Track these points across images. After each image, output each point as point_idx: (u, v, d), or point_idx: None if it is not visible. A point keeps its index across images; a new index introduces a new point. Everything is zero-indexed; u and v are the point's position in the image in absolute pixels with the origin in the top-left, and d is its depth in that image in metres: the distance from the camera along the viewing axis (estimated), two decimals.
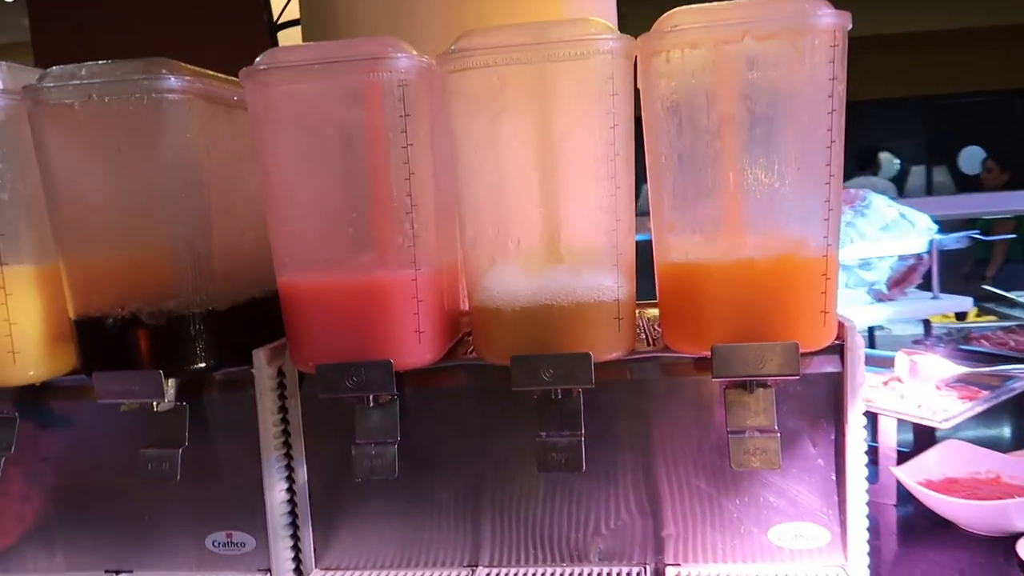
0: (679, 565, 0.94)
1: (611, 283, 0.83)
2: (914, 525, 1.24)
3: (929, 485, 1.26)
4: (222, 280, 0.93)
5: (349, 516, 0.98)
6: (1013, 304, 3.09)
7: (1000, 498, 1.22)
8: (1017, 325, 1.86)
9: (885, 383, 1.39)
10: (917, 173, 8.36)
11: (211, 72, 0.92)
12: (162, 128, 0.87)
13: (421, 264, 0.86)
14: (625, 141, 0.82)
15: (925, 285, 1.86)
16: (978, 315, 2.94)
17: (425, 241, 0.86)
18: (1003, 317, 2.87)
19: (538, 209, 0.83)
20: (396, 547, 0.98)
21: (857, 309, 1.79)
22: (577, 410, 0.89)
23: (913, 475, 1.27)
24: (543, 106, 0.81)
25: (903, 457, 1.30)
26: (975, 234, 1.88)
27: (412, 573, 0.97)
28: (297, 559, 0.99)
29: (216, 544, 0.99)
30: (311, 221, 0.86)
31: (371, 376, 0.86)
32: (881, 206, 1.82)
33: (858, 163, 6.73)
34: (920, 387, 1.34)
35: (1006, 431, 1.73)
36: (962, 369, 1.38)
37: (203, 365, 0.92)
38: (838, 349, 0.89)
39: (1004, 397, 1.30)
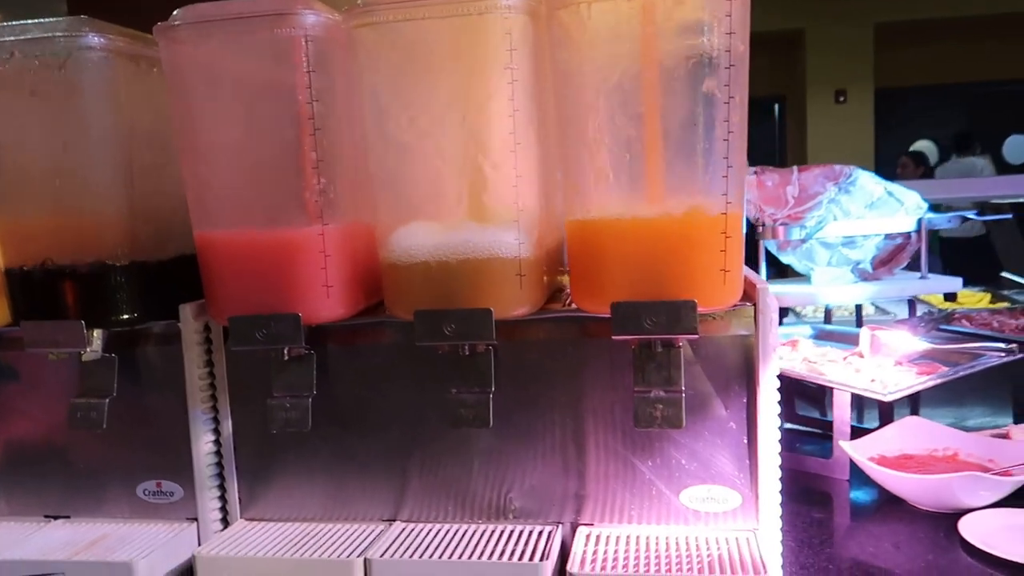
0: (592, 525, 0.94)
1: (512, 240, 0.83)
2: (865, 500, 1.22)
3: (883, 461, 1.24)
4: (147, 235, 0.96)
5: (274, 469, 1.00)
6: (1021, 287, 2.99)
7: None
8: (1009, 308, 1.80)
9: (845, 358, 1.36)
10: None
11: (138, 32, 0.94)
12: (84, 85, 0.89)
13: (329, 219, 0.87)
14: (526, 99, 0.82)
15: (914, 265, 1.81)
16: (992, 301, 2.86)
17: (334, 197, 0.87)
18: (1016, 303, 2.78)
19: (439, 166, 0.83)
20: (319, 500, 1.00)
21: (840, 288, 1.75)
22: (486, 367, 0.89)
23: (867, 450, 1.25)
24: (442, 62, 0.81)
25: (865, 433, 1.28)
26: (970, 214, 1.82)
27: (333, 526, 0.98)
28: (224, 509, 1.02)
29: (146, 493, 1.02)
30: (222, 175, 0.87)
31: (280, 329, 0.88)
32: (867, 183, 1.78)
33: (956, 146, 6.59)
34: (880, 362, 1.32)
35: (987, 411, 1.68)
36: (924, 345, 1.35)
37: (127, 317, 0.95)
38: (751, 311, 0.88)
39: (962, 373, 1.27)
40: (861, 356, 1.36)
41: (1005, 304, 2.78)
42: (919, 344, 1.35)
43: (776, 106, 8.67)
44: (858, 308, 1.92)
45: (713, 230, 0.79)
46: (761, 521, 0.89)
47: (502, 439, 0.95)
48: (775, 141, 8.69)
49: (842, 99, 7.83)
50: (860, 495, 1.24)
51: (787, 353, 1.41)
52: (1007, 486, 1.09)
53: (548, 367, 0.93)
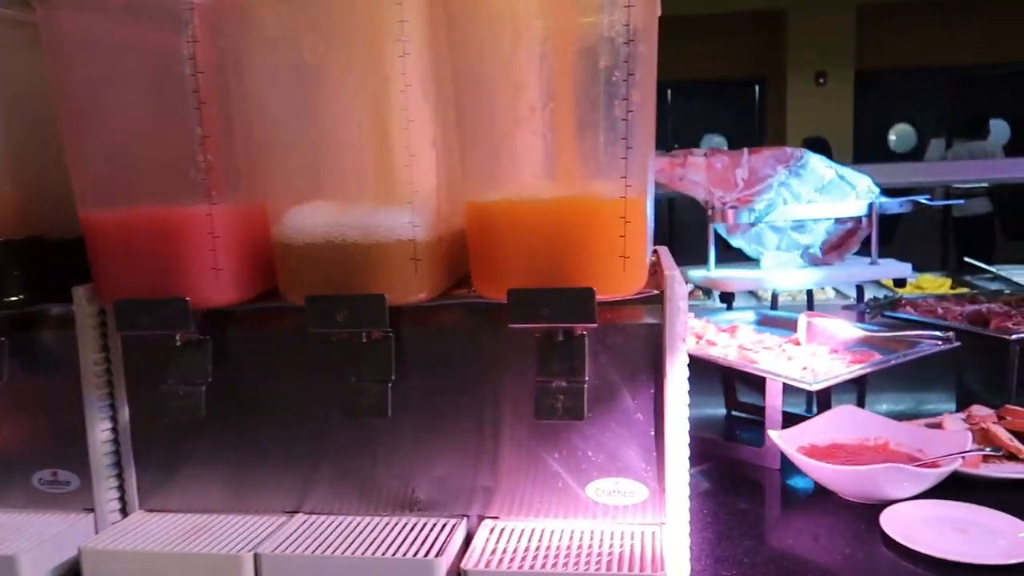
0: (497, 518, 0.91)
1: (405, 221, 0.79)
2: (795, 490, 1.20)
3: (813, 450, 1.22)
4: (41, 211, 0.91)
5: (175, 458, 0.97)
6: (994, 277, 2.99)
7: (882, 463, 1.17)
8: (956, 295, 1.79)
9: (781, 345, 1.34)
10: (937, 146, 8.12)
11: None
12: None
13: (220, 198, 0.83)
14: (420, 74, 0.77)
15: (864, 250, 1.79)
16: (952, 287, 2.86)
17: (225, 174, 0.83)
18: (975, 290, 2.78)
19: (330, 142, 0.79)
20: (221, 491, 0.96)
21: (789, 272, 1.73)
22: (385, 355, 0.86)
23: (798, 439, 1.23)
24: (332, 34, 0.77)
25: (800, 421, 1.26)
26: (922, 199, 1.80)
27: (233, 518, 0.95)
28: (122, 499, 0.98)
29: (41, 482, 0.98)
30: (103, 150, 0.83)
31: (167, 314, 0.84)
32: (818, 166, 1.75)
33: (969, 129, 6.53)
34: (815, 350, 1.29)
35: (935, 397, 1.67)
36: (860, 332, 1.33)
37: (15, 299, 0.90)
38: (658, 299, 0.84)
39: (894, 362, 1.25)
40: (797, 344, 1.34)
41: (965, 289, 2.78)
42: (855, 331, 1.33)
43: (757, 87, 8.62)
44: (809, 293, 1.90)
45: (611, 215, 0.76)
46: (668, 515, 0.87)
47: (406, 429, 0.91)
48: (755, 122, 8.66)
49: (822, 81, 7.80)
50: (791, 485, 1.22)
51: (725, 339, 1.39)
52: (931, 478, 1.07)
53: (453, 355, 0.89)
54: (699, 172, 1.73)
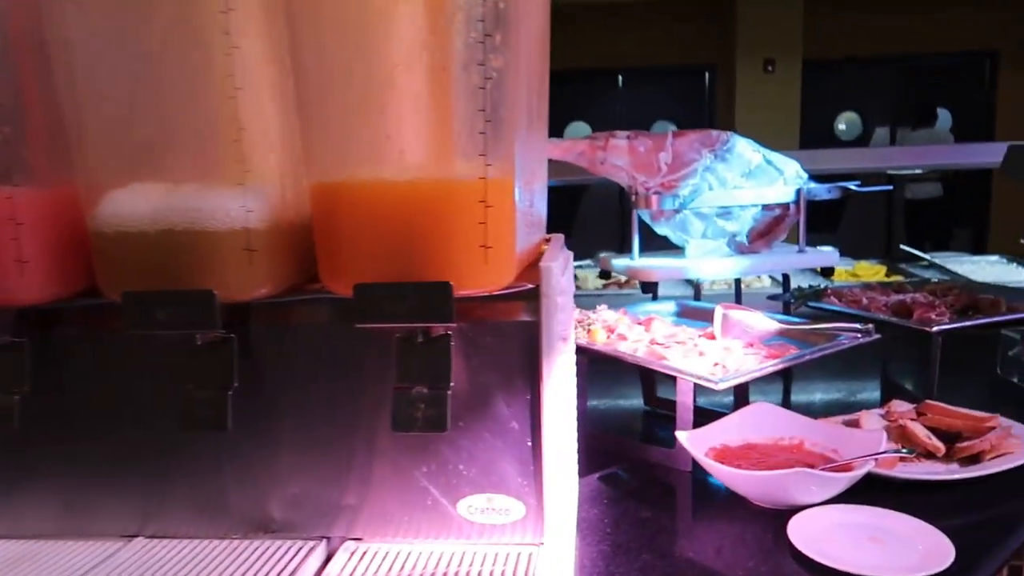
0: (361, 540, 0.81)
1: (236, 206, 0.69)
2: (706, 495, 1.13)
3: (725, 451, 1.15)
4: None
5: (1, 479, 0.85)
6: (928, 265, 2.98)
7: (793, 466, 1.10)
8: (882, 283, 1.74)
9: (694, 339, 1.26)
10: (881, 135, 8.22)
11: None
12: None
13: (23, 180, 0.71)
14: (250, 35, 0.66)
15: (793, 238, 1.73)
16: (887, 275, 2.84)
17: (30, 154, 0.71)
18: (912, 279, 2.77)
19: (141, 114, 0.68)
20: (53, 514, 0.85)
21: (714, 261, 1.66)
22: (225, 359, 0.75)
23: (710, 439, 1.15)
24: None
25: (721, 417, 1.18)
26: (851, 185, 1.74)
27: (65, 544, 0.84)
28: None
29: None
30: None
31: None
32: (745, 151, 1.68)
33: (918, 118, 6.74)
34: (729, 344, 1.22)
35: (863, 389, 1.62)
36: (777, 325, 1.26)
37: None
38: (533, 294, 0.75)
39: (808, 357, 1.18)
40: (712, 338, 1.26)
41: (899, 277, 2.76)
42: (772, 324, 1.26)
43: (707, 74, 8.61)
44: (737, 282, 1.83)
45: (469, 199, 0.66)
46: (547, 534, 0.78)
47: (256, 442, 0.81)
48: (705, 109, 8.65)
49: (770, 68, 7.81)
50: (703, 488, 1.14)
51: (640, 333, 1.31)
52: (841, 483, 1.00)
53: (307, 358, 0.79)
54: (621, 156, 1.64)
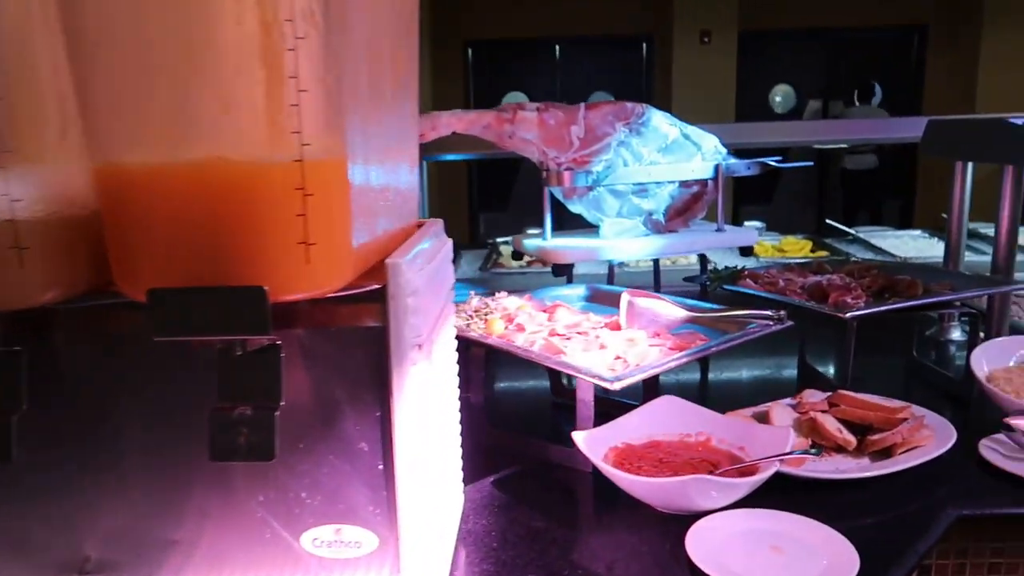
0: None
1: None
2: (607, 498, 1.04)
3: (626, 450, 1.07)
4: None
5: None
6: (853, 240, 2.97)
7: (699, 465, 1.03)
8: (801, 263, 1.68)
9: (597, 329, 1.17)
10: (814, 107, 8.31)
11: None
12: None
13: None
14: None
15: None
16: (813, 250, 2.82)
17: None
18: (835, 253, 2.75)
19: None
20: None
21: (629, 241, 1.58)
22: (9, 379, 0.62)
23: (612, 437, 1.07)
24: None
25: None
26: (771, 161, 1.67)
27: None
28: None
29: None
30: None
31: None
32: (661, 124, 1.59)
33: (856, 92, 6.85)
34: (633, 335, 1.14)
35: (782, 372, 1.57)
36: (684, 313, 1.18)
37: None
38: (379, 296, 0.64)
39: (714, 349, 1.10)
40: (617, 328, 1.18)
41: (824, 252, 2.75)
42: (679, 312, 1.18)
43: (644, 45, 8.55)
44: (656, 264, 1.76)
45: (281, 186, 0.54)
46: (404, 568, 0.68)
47: (64, 472, 0.69)
48: (643, 81, 8.60)
49: (707, 40, 7.78)
50: (605, 491, 1.06)
51: (543, 321, 1.22)
52: (742, 489, 0.93)
53: (118, 373, 0.67)
54: (530, 129, 1.53)
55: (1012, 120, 1.29)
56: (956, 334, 1.69)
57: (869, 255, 2.67)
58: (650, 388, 1.21)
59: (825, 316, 1.26)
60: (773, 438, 1.02)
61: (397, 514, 0.67)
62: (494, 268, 2.63)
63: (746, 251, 1.67)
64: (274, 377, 0.61)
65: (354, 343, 0.65)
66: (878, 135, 3.29)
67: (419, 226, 0.84)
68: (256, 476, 0.68)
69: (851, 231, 2.95)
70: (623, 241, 1.58)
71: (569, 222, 1.67)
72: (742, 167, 1.66)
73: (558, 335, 1.14)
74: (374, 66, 0.66)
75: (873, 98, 7.16)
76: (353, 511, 0.68)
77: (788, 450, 0.97)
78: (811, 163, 1.69)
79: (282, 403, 0.61)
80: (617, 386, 0.96)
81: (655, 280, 1.75)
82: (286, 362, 0.63)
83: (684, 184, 1.65)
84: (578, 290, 1.46)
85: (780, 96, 8.44)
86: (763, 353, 1.66)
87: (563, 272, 1.55)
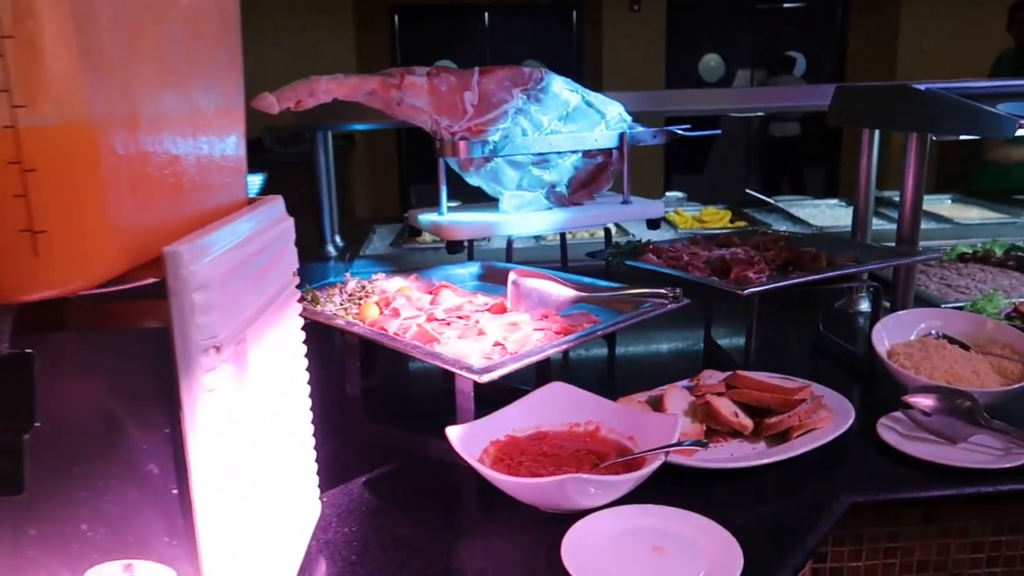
0: None
1: None
2: (488, 496, 0.95)
3: (510, 443, 0.99)
4: None
5: None
6: (772, 209, 2.96)
7: (587, 457, 0.96)
8: (707, 235, 1.63)
9: (478, 314, 1.08)
10: (743, 77, 8.37)
11: None
12: None
13: None
14: None
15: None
16: (732, 220, 2.79)
17: None
18: (754, 223, 2.73)
19: None
20: None
21: (530, 216, 1.49)
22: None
23: (493, 431, 0.99)
24: None
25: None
26: (677, 129, 1.60)
27: None
28: None
29: None
30: None
31: None
32: (562, 91, 1.50)
33: (779, 64, 7.01)
34: (517, 319, 1.05)
35: (685, 354, 1.51)
36: (572, 293, 1.10)
37: None
38: (159, 291, 0.53)
39: (601, 332, 1.02)
40: (502, 311, 1.09)
41: (743, 224, 2.72)
42: (567, 291, 1.10)
43: (574, 13, 8.44)
44: (562, 238, 1.67)
45: None
46: None
47: None
48: (574, 48, 8.50)
49: (636, 7, 7.72)
50: (486, 488, 0.97)
51: (425, 304, 1.12)
52: (623, 486, 0.86)
53: None
54: (420, 96, 1.42)
55: (915, 86, 1.24)
56: (864, 306, 1.66)
57: (787, 225, 2.65)
58: (543, 373, 1.13)
59: (724, 294, 1.20)
60: (662, 427, 0.95)
61: (198, 545, 0.57)
62: (407, 244, 2.52)
63: (653, 224, 1.60)
64: (25, 394, 0.50)
65: (135, 347, 0.55)
66: (799, 102, 3.29)
67: (249, 203, 0.74)
68: (24, 508, 0.56)
69: (770, 200, 2.93)
70: (523, 215, 1.49)
71: (481, 195, 1.57)
72: (647, 136, 1.58)
73: (436, 320, 1.04)
74: (153, 15, 0.55)
75: (794, 68, 7.31)
76: (145, 543, 0.57)
77: (675, 441, 0.90)
78: (718, 131, 1.62)
79: (38, 424, 0.51)
80: (485, 379, 0.87)
81: (562, 255, 1.67)
82: (55, 372, 0.52)
83: (587, 154, 1.56)
84: (471, 268, 1.37)
85: (708, 66, 8.46)
86: (677, 328, 1.60)
87: (457, 249, 1.46)
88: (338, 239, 2.53)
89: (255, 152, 5.52)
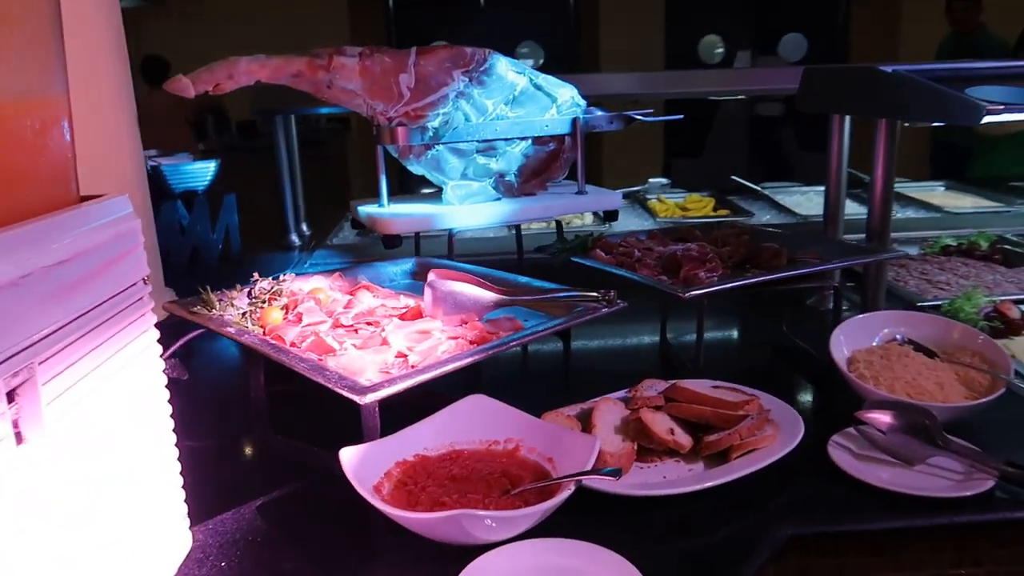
0: None
1: None
2: (393, 523, 0.87)
3: (419, 463, 0.90)
4: None
5: None
6: (758, 197, 2.84)
7: (498, 481, 0.87)
8: (665, 228, 1.52)
9: (387, 319, 0.98)
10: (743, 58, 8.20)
11: None
12: None
13: None
14: None
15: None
16: (715, 208, 2.68)
17: None
18: (738, 212, 2.61)
19: None
20: None
21: (476, 208, 1.39)
22: None
23: (401, 450, 0.90)
24: None
25: None
26: (636, 114, 1.50)
27: None
28: None
29: None
30: None
31: None
32: (507, 73, 1.39)
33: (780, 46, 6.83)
34: (429, 326, 0.95)
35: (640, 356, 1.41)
36: (491, 296, 1.00)
37: None
38: None
39: (516, 343, 0.93)
40: (416, 316, 0.99)
41: (726, 212, 2.61)
42: (486, 295, 1.00)
43: None
44: (517, 230, 1.57)
45: None
46: None
47: None
48: (571, 29, 8.35)
49: None
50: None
51: (340, 308, 1.02)
52: (522, 522, 0.77)
53: None
54: (351, 78, 1.32)
55: (882, 68, 1.13)
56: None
57: (771, 214, 2.54)
58: (472, 377, 1.04)
59: (667, 296, 1.10)
60: (581, 448, 0.86)
61: None
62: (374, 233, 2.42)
63: (611, 215, 1.50)
64: None
65: None
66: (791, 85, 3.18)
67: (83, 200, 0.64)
68: None
69: (756, 187, 2.82)
70: (467, 207, 1.39)
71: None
72: (603, 121, 1.47)
73: (343, 327, 0.95)
74: None
75: (777, 48, 7.18)
76: None
77: (588, 468, 0.81)
78: (680, 116, 1.51)
79: None
80: (369, 399, 0.77)
81: (518, 248, 1.58)
82: None
83: (538, 141, 1.46)
84: (405, 265, 1.27)
85: (707, 46, 8.30)
86: (642, 323, 1.49)
87: (394, 243, 1.36)
88: (304, 228, 2.44)
89: (249, 136, 5.40)
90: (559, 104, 1.45)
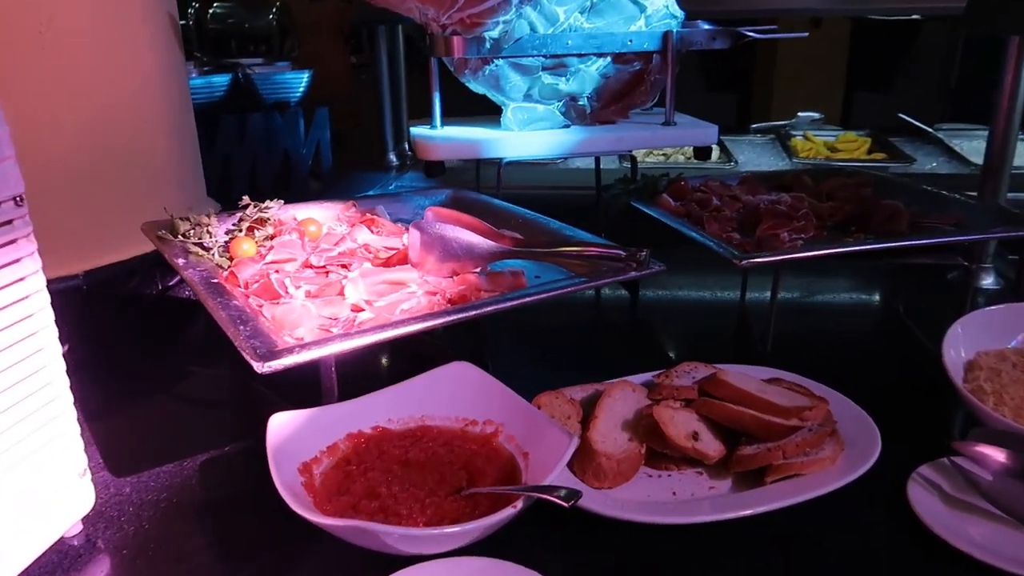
0: None
1: None
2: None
3: (376, 437, 0.77)
4: None
5: None
6: (930, 139, 2.39)
7: (456, 474, 0.71)
8: (770, 173, 1.25)
9: (363, 263, 0.83)
10: None
11: None
12: None
13: None
14: None
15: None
16: (870, 151, 2.29)
17: None
18: (897, 157, 2.20)
19: None
20: None
21: (540, 136, 1.18)
22: None
23: (361, 417, 0.76)
24: None
25: None
26: (748, 30, 1.21)
27: None
28: None
29: None
30: None
31: None
32: None
33: None
34: (405, 276, 0.79)
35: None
36: (488, 245, 0.81)
37: None
38: None
39: (492, 308, 0.74)
40: (400, 262, 0.83)
41: (882, 156, 2.22)
42: (483, 244, 0.81)
43: None
44: (597, 163, 1.34)
45: None
46: None
47: None
48: None
49: None
50: None
51: (333, 242, 0.88)
52: (429, 543, 0.60)
53: None
54: None
55: None
56: (989, 281, 1.23)
57: (939, 161, 2.13)
58: (478, 339, 0.87)
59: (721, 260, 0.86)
60: (555, 448, 0.68)
61: None
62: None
63: (702, 153, 1.25)
64: None
65: None
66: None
67: None
68: None
69: (928, 128, 2.37)
70: (520, 135, 1.20)
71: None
72: (702, 37, 1.21)
73: (313, 267, 0.81)
74: None
75: None
76: None
77: (547, 483, 0.63)
78: (805, 33, 1.21)
79: None
80: (266, 369, 0.63)
81: (596, 185, 1.36)
82: None
83: (619, 59, 1.22)
84: (438, 197, 1.11)
85: None
86: (725, 282, 1.24)
87: (436, 172, 1.20)
88: (407, 147, 2.33)
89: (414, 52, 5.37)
90: (648, 14, 1.20)
